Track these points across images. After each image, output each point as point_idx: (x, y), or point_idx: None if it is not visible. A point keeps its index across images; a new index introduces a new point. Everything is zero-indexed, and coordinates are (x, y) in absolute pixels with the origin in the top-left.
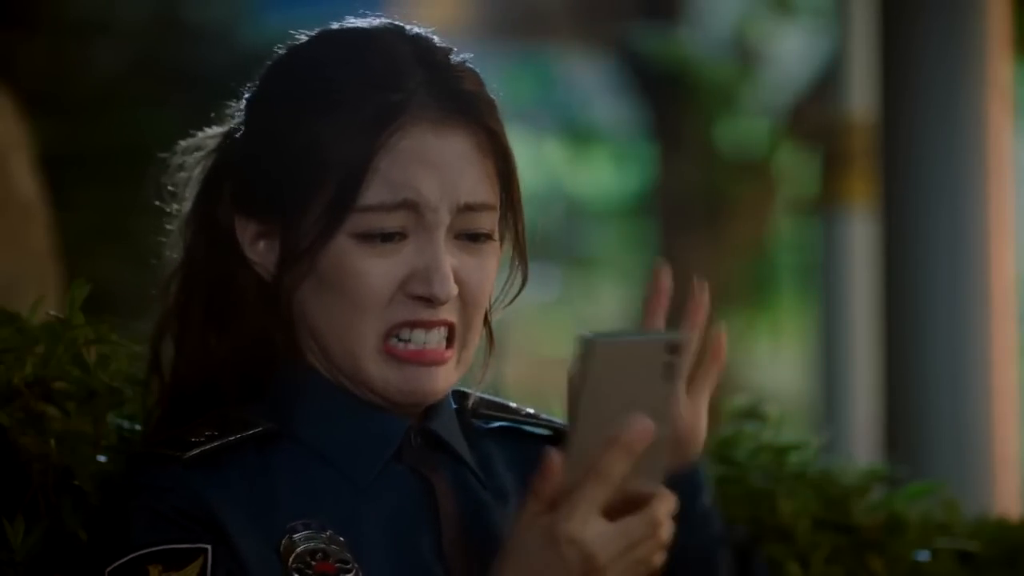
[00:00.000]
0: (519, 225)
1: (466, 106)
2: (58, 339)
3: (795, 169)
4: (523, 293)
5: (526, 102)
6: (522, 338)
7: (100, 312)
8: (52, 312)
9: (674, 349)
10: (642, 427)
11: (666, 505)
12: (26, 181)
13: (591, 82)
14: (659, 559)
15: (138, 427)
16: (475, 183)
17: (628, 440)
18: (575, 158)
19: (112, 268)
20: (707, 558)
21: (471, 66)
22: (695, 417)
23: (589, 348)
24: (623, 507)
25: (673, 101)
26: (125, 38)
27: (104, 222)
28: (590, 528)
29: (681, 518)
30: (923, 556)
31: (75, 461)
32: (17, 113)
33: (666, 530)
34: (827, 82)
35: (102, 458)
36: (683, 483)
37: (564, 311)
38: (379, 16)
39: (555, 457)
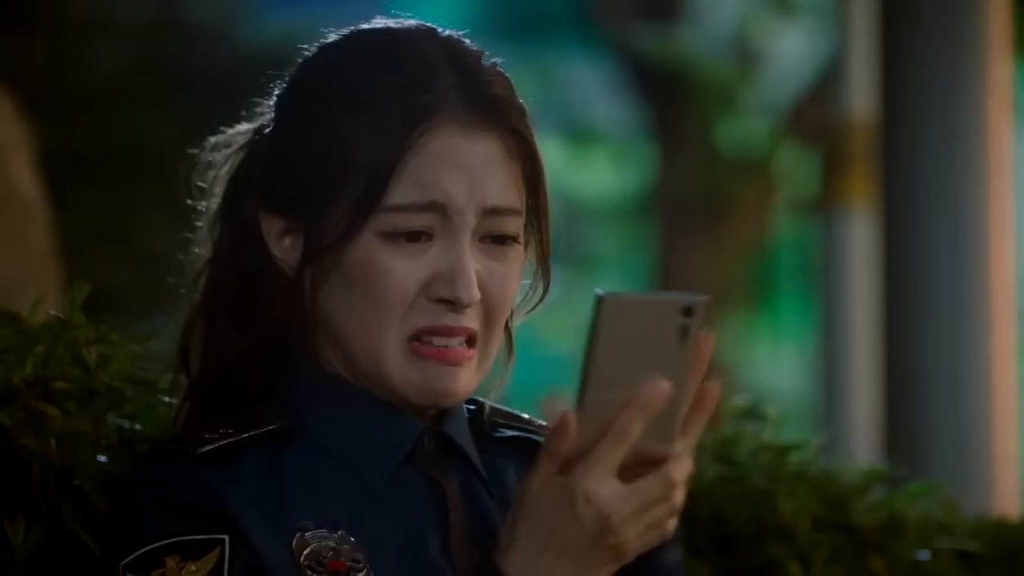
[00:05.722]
0: (544, 231)
1: (495, 110)
2: (58, 339)
3: (795, 169)
4: (544, 301)
5: (526, 102)
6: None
7: (100, 312)
8: (52, 312)
9: (688, 312)
10: (659, 387)
11: (681, 468)
12: (26, 181)
13: (591, 82)
14: (672, 524)
15: (138, 427)
16: (502, 187)
17: (645, 399)
18: (575, 158)
19: (112, 268)
20: None
21: (501, 70)
22: None
23: (600, 305)
24: (635, 468)
25: (673, 101)
26: (125, 38)
27: (104, 222)
28: (606, 487)
29: None
30: (923, 556)
31: (75, 461)
32: (17, 113)
33: (680, 493)
34: (827, 82)
35: (102, 458)
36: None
37: (564, 311)
38: (407, 17)
39: (569, 416)
